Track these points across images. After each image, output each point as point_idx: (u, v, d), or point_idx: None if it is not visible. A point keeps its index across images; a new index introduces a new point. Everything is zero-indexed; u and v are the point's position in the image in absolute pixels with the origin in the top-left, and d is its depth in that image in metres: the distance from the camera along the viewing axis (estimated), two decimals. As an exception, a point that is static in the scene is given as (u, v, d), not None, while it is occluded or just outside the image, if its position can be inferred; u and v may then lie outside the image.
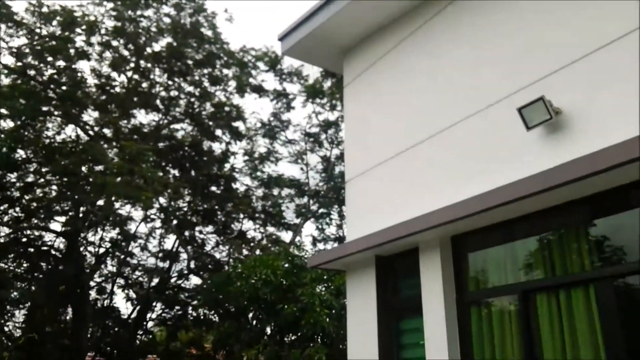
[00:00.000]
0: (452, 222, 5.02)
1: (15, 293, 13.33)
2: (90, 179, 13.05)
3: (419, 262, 5.69)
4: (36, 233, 14.94)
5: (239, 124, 17.26)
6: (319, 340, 9.87)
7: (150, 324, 16.29)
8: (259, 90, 17.88)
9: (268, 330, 10.82)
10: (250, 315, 11.21)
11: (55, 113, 14.55)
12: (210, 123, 16.62)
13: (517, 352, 4.69)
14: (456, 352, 5.15)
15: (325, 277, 10.81)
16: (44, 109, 13.99)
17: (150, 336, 16.34)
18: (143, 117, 16.77)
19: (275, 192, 18.26)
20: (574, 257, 4.46)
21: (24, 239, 14.63)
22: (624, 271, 4.06)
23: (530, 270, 4.80)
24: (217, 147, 17.30)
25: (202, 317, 14.33)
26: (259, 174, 17.99)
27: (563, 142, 4.44)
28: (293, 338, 10.38)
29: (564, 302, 4.41)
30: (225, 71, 17.06)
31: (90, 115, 15.32)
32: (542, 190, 4.20)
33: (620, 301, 4.06)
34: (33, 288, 13.64)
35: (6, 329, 14.23)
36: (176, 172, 16.53)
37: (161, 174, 14.80)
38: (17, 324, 14.81)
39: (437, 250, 5.47)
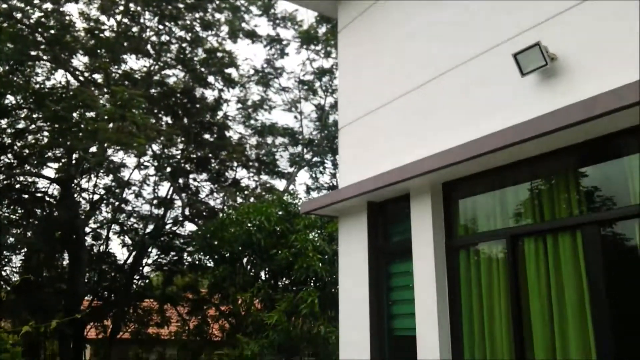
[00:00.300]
0: (443, 169, 5.06)
1: (11, 239, 13.47)
2: (82, 125, 12.96)
3: (409, 207, 5.78)
4: (30, 180, 14.95)
5: (231, 71, 17.01)
6: (311, 284, 10.12)
7: (146, 269, 16.62)
8: (252, 35, 17.50)
9: (262, 274, 11.06)
10: (245, 260, 11.44)
11: (44, 58, 14.26)
12: (203, 69, 16.37)
13: (503, 294, 4.84)
14: (444, 294, 5.32)
15: (318, 224, 10.96)
16: (32, 53, 13.69)
17: (147, 281, 16.69)
18: (134, 63, 16.49)
19: (269, 140, 18.22)
20: (563, 203, 4.54)
21: (18, 186, 14.66)
22: (612, 217, 4.15)
23: (518, 216, 4.89)
24: (210, 95, 17.13)
25: (197, 262, 14.61)
26: (252, 122, 17.88)
27: (557, 88, 4.42)
28: (286, 282, 10.64)
29: (550, 247, 4.51)
30: (217, 15, 16.65)
31: (79, 61, 15.04)
32: (532, 137, 4.22)
33: (606, 247, 4.17)
34: (29, 234, 13.77)
35: (4, 273, 14.47)
36: (169, 120, 16.40)
37: (153, 120, 14.70)
38: (14, 269, 15.06)
39: (428, 196, 5.54)
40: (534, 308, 4.55)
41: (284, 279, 10.73)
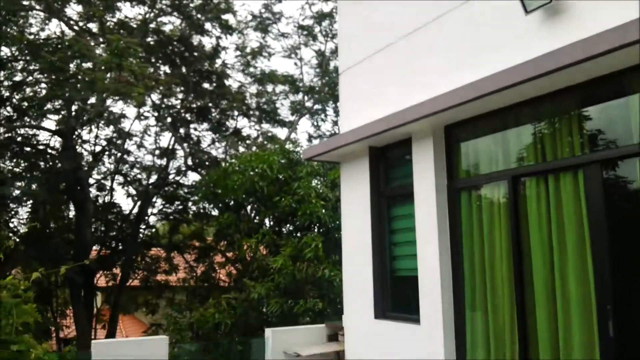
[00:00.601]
0: (445, 111, 5.03)
1: (16, 191, 13.59)
2: (79, 76, 12.81)
3: (411, 151, 5.79)
4: (30, 132, 14.93)
5: (228, 17, 16.59)
6: (315, 229, 10.28)
7: (152, 218, 16.83)
8: (248, -22, 17.00)
9: (266, 221, 11.22)
10: (249, 208, 11.57)
11: (37, 7, 13.93)
12: (199, 16, 15.98)
13: (504, 234, 4.92)
14: (445, 235, 5.41)
15: (320, 171, 11.02)
16: (25, 3, 13.36)
17: (153, 230, 16.95)
18: (128, 11, 16.09)
19: (269, 88, 18.00)
20: (565, 143, 4.53)
21: (19, 139, 14.65)
22: (614, 156, 4.15)
23: (520, 157, 4.91)
24: (207, 42, 16.80)
25: (201, 211, 14.78)
26: (251, 69, 17.60)
27: (562, 27, 4.33)
28: (290, 228, 10.81)
29: (552, 187, 4.55)
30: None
31: (73, 10, 14.69)
32: (535, 76, 4.17)
33: (608, 187, 4.20)
34: (33, 186, 13.87)
35: (11, 225, 14.70)
36: (167, 69, 16.17)
37: (151, 69, 14.50)
38: (21, 221, 15.29)
39: (430, 139, 5.54)
40: (535, 248, 4.63)
41: (288, 225, 10.89)
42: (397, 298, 6.20)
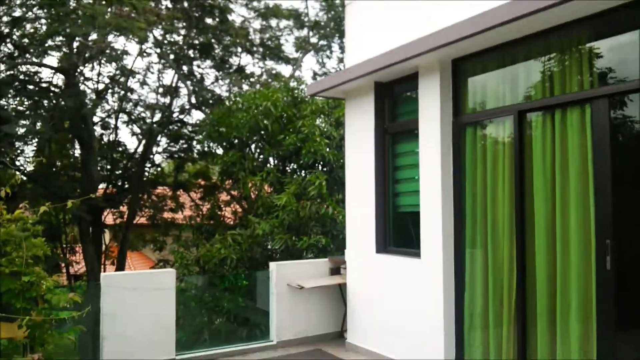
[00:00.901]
0: (452, 44, 4.91)
1: (21, 130, 13.57)
2: (79, 11, 12.47)
3: (417, 87, 5.69)
4: (32, 70, 14.73)
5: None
6: (319, 168, 10.29)
7: (157, 157, 16.87)
8: None
9: (270, 160, 11.22)
10: (253, 146, 11.55)
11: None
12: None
13: (507, 170, 4.91)
14: (449, 171, 5.40)
15: (325, 109, 10.90)
16: None
17: (159, 169, 17.04)
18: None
19: (273, 23, 17.52)
20: (574, 77, 4.44)
21: (22, 76, 14.48)
22: (622, 90, 4.07)
23: (527, 92, 4.82)
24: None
25: (206, 149, 14.78)
26: (255, 3, 17.06)
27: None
28: (294, 167, 10.82)
29: (558, 122, 4.49)
30: None
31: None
32: (545, 7, 4.03)
33: (615, 121, 4.14)
34: (38, 125, 13.84)
35: (17, 163, 14.79)
36: (168, 3, 15.71)
37: (152, 3, 14.10)
38: (27, 159, 15.37)
39: (437, 74, 5.43)
40: (537, 184, 4.63)
41: (292, 163, 10.89)
42: (398, 233, 6.29)
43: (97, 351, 5.77)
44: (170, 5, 15.42)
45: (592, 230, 4.16)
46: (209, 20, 15.83)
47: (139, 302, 5.85)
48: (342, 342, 6.92)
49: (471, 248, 5.30)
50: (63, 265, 15.95)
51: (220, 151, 13.05)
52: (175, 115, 16.45)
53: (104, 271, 15.78)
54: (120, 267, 15.92)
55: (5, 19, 13.46)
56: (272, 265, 6.98)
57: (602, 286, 4.08)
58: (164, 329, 6.01)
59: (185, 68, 16.05)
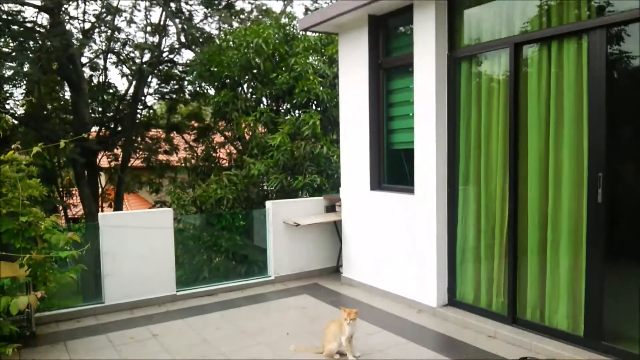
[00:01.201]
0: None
1: (8, 72, 13.27)
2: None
3: (412, 19, 5.55)
4: (15, 9, 14.23)
5: None
6: (313, 107, 10.19)
7: (148, 99, 16.64)
8: None
9: (264, 100, 11.09)
10: (245, 85, 11.38)
11: None
12: None
13: (502, 104, 4.88)
14: (443, 107, 5.37)
15: (317, 46, 10.67)
16: None
17: (151, 111, 16.84)
18: None
19: (263, -44, 16.83)
20: (570, 8, 4.34)
21: (4, 16, 14.00)
22: (619, 20, 3.98)
23: (523, 24, 4.72)
24: None
25: (197, 89, 14.56)
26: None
27: None
28: (288, 106, 10.70)
29: (554, 54, 4.43)
30: None
31: None
32: None
33: (611, 55, 4.07)
34: (26, 66, 13.52)
35: (7, 106, 14.55)
36: None
37: None
38: (17, 102, 15.12)
39: (432, 6, 5.29)
40: (532, 118, 4.62)
41: (286, 103, 10.76)
42: (392, 170, 6.33)
43: (100, 289, 5.91)
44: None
45: (585, 163, 4.19)
46: (195, -46, 15.20)
47: (138, 241, 5.94)
48: (338, 276, 7.11)
49: (464, 183, 5.35)
50: (61, 208, 16.04)
51: (212, 92, 12.86)
52: (165, 55, 16.08)
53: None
54: (117, 209, 16.05)
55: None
56: (269, 203, 7.06)
57: (592, 219, 4.16)
58: (164, 267, 6.14)
59: (172, 5, 15.53)
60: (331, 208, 7.40)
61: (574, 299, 4.35)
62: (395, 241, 6.00)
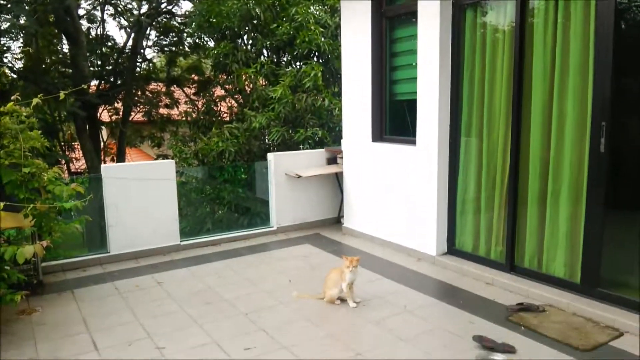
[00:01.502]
0: None
1: (4, 25, 13.04)
2: None
3: (416, -35, 5.40)
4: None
5: None
6: (314, 58, 10.05)
7: (148, 52, 16.42)
8: None
9: (264, 52, 10.92)
10: (245, 37, 11.18)
11: None
12: None
13: (507, 54, 4.80)
14: (447, 56, 5.29)
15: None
16: None
17: (150, 64, 16.63)
18: None
19: None
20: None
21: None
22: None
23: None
24: None
25: (197, 41, 14.33)
26: None
27: None
28: (289, 58, 10.55)
29: (562, 3, 4.32)
30: None
31: None
32: None
33: (619, 1, 3.97)
34: (22, 19, 13.27)
35: (5, 59, 14.38)
36: None
37: None
38: (15, 56, 14.92)
39: (436, -50, 5.13)
40: (537, 66, 4.55)
41: (287, 54, 10.60)
42: (394, 122, 6.29)
43: (105, 241, 6.00)
44: None
45: (589, 113, 4.16)
46: None
47: (141, 192, 5.98)
48: (339, 227, 7.19)
49: (467, 134, 5.32)
50: (63, 162, 16.09)
51: (212, 44, 12.65)
52: (163, 6, 15.74)
53: (104, 166, 15.93)
54: (120, 162, 16.10)
55: None
56: (270, 155, 7.06)
57: (594, 168, 4.15)
58: (167, 217, 6.20)
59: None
60: (333, 160, 7.40)
61: (572, 248, 4.41)
62: (396, 192, 6.04)
